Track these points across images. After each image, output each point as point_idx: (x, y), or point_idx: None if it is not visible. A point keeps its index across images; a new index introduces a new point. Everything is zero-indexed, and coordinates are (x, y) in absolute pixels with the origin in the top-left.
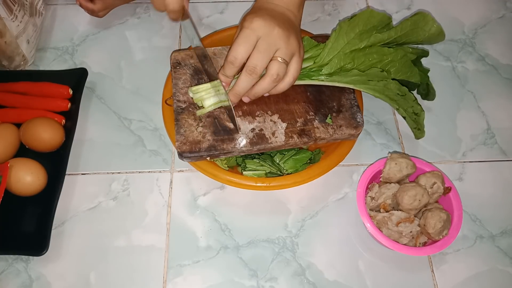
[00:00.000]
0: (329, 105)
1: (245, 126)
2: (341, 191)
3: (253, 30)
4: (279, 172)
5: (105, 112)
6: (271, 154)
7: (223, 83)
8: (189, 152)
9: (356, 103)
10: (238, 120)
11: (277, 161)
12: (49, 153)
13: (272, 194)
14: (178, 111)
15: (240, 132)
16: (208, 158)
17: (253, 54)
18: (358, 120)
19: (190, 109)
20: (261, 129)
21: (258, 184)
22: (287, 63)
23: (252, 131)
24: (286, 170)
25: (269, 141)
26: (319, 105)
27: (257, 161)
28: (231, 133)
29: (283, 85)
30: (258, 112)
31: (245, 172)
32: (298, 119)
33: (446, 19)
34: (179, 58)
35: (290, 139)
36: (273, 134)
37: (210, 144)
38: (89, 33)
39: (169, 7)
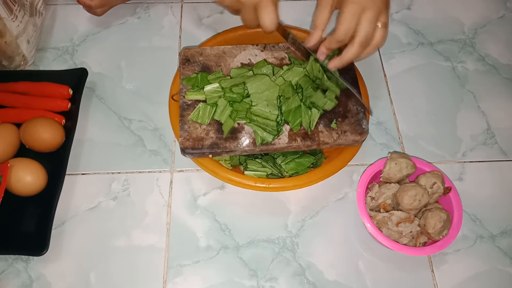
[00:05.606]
0: (335, 110)
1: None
2: (341, 191)
3: (358, 3)
4: (280, 175)
5: (105, 112)
6: (274, 156)
7: (324, 53)
8: (192, 149)
9: (362, 110)
10: (242, 121)
11: (279, 163)
12: (49, 153)
13: (272, 194)
14: (184, 107)
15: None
16: (210, 156)
17: (364, 26)
18: (364, 126)
19: (195, 106)
20: None
21: (257, 185)
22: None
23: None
24: (287, 172)
25: (272, 142)
26: (325, 110)
27: (259, 161)
28: (234, 132)
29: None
30: None
31: (246, 172)
32: None
33: (446, 19)
34: (189, 54)
35: (294, 142)
36: None
37: (213, 141)
38: (89, 33)
39: (266, 29)
